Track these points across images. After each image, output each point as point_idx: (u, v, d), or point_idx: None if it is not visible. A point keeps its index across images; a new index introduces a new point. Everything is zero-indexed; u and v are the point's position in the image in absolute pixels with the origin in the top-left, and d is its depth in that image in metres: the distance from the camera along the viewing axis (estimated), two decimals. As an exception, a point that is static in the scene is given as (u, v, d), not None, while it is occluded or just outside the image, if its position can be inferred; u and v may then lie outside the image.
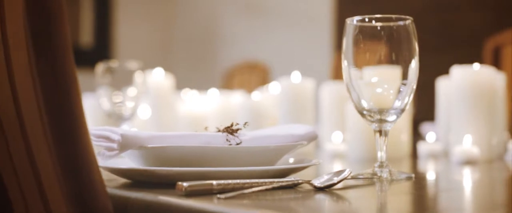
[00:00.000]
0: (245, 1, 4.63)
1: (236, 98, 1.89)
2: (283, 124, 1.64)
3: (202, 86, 2.54)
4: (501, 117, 1.33)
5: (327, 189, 0.75)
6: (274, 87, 1.87)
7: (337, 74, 2.58)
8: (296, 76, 1.62)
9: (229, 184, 0.70)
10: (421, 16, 3.79)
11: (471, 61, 1.46)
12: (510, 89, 2.08)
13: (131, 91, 1.66)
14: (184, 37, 4.95)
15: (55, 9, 0.61)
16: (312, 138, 0.91)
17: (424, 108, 1.97)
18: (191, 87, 2.14)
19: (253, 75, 3.44)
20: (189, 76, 4.38)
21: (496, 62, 2.20)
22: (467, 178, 1.04)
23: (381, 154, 0.91)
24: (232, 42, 4.70)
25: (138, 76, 1.67)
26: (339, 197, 0.71)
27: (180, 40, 4.96)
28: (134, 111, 1.61)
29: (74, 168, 0.62)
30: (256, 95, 1.79)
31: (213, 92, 1.97)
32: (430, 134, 1.38)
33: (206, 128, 0.93)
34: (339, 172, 0.77)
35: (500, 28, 2.43)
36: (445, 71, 1.43)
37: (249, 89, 2.42)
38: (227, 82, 3.41)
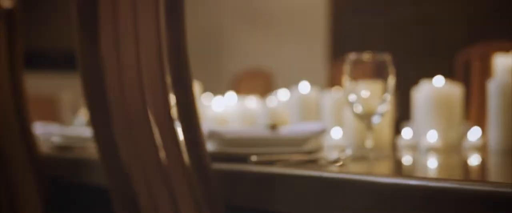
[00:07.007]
0: (248, 11, 5.04)
1: (253, 104, 2.35)
2: (294, 124, 2.11)
3: (207, 91, 2.88)
4: (457, 118, 1.81)
5: (335, 162, 1.23)
6: (283, 94, 2.32)
7: (333, 82, 3.03)
8: (304, 87, 2.09)
9: (279, 158, 1.18)
10: (406, 28, 4.23)
11: (449, 69, 1.83)
12: (475, 98, 2.52)
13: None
14: (188, 45, 5.32)
15: (185, 51, 1.09)
16: (323, 132, 1.39)
17: (408, 109, 2.34)
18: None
19: (258, 81, 3.87)
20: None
21: (467, 74, 2.54)
22: (431, 158, 1.51)
23: (369, 143, 1.39)
24: (235, 50, 5.12)
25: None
26: (343, 166, 1.18)
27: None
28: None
29: (196, 148, 1.09)
30: (271, 101, 2.26)
31: (231, 96, 2.41)
32: (406, 129, 1.86)
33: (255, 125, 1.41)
34: (343, 152, 1.25)
35: (474, 41, 2.76)
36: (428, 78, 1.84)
37: (256, 94, 2.86)
38: (235, 88, 3.83)
